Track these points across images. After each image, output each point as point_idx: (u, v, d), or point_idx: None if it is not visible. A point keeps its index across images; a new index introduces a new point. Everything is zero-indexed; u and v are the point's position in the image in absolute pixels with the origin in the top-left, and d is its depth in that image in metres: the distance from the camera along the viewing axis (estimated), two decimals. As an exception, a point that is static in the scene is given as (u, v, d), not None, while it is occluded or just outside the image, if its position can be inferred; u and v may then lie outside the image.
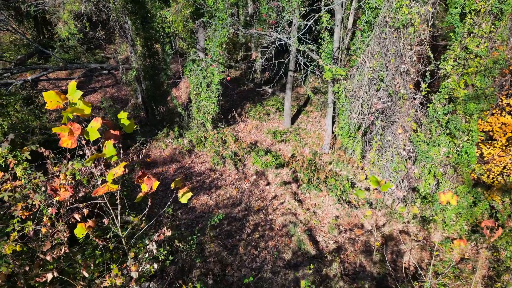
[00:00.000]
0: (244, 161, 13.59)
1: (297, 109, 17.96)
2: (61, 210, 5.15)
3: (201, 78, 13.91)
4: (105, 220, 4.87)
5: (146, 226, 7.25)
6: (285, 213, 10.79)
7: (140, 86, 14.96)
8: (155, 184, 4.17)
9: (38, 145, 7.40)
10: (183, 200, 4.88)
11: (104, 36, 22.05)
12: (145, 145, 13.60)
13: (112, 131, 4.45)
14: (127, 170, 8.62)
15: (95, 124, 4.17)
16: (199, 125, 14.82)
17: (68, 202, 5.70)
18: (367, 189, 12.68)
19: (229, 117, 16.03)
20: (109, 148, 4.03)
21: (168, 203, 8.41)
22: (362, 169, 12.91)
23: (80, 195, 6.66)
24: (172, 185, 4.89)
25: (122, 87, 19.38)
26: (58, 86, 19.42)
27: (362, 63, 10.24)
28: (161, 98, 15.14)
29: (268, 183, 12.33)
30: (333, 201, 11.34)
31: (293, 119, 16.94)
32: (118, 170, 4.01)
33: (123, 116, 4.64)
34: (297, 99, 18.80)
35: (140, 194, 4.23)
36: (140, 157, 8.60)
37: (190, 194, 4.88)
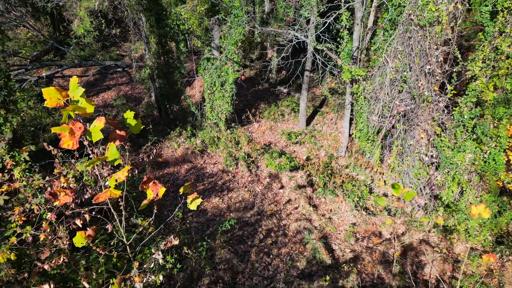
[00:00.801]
0: (257, 163, 13.21)
1: (312, 110, 17.49)
2: (66, 213, 4.87)
3: (215, 77, 13.58)
4: (109, 227, 4.56)
5: (155, 231, 6.93)
6: (299, 218, 10.36)
7: (153, 84, 14.73)
8: (161, 190, 3.82)
9: (46, 143, 7.16)
10: (192, 206, 4.52)
11: (119, 34, 21.97)
12: (157, 145, 13.35)
13: (118, 132, 4.12)
14: (136, 171, 8.32)
15: (98, 124, 3.84)
16: (212, 125, 14.51)
17: (74, 204, 5.43)
18: (385, 195, 12.15)
19: (243, 117, 15.68)
20: (111, 151, 3.70)
21: (179, 206, 8.09)
22: (381, 174, 12.37)
23: (86, 196, 6.39)
24: (181, 191, 4.54)
25: (136, 86, 19.24)
26: (72, 83, 19.37)
27: (383, 63, 9.74)
28: (174, 96, 14.89)
29: (282, 187, 11.91)
30: (350, 207, 10.85)
31: (309, 121, 16.48)
32: (122, 175, 3.68)
33: (129, 115, 4.30)
34: (312, 100, 18.33)
35: (145, 202, 3.88)
36: (151, 157, 8.31)
37: (199, 200, 4.52)
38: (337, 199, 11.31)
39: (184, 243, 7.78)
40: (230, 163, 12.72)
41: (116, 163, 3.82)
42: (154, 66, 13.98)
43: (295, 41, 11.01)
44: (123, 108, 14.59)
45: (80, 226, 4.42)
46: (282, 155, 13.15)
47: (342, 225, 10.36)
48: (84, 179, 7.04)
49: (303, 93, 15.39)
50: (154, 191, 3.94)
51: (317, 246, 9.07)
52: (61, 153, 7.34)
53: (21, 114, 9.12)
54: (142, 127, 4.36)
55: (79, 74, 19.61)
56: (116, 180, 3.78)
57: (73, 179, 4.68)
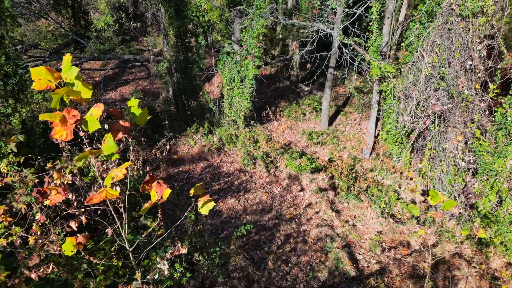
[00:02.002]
0: (276, 163, 12.54)
1: (335, 109, 16.68)
2: (63, 213, 4.35)
3: (235, 72, 12.99)
4: (109, 231, 3.99)
5: (164, 235, 6.36)
6: (320, 224, 9.63)
7: (171, 79, 14.25)
8: (166, 192, 3.21)
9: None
10: (204, 211, 3.91)
11: (140, 28, 21.69)
12: (172, 141, 12.86)
13: (121, 122, 3.54)
14: (148, 168, 7.76)
15: (96, 111, 3.26)
16: (230, 122, 13.92)
17: (75, 204, 4.93)
18: (414, 202, 11.27)
19: (262, 115, 15.03)
20: (108, 144, 3.12)
21: (190, 208, 7.51)
22: (411, 179, 11.50)
23: (91, 194, 5.88)
24: (191, 192, 3.94)
25: (155, 80, 18.86)
26: (91, 76, 19.20)
27: (418, 58, 8.90)
28: (192, 92, 14.37)
29: (302, 189, 11.20)
30: (376, 214, 10.05)
31: (331, 120, 15.69)
32: (119, 172, 3.10)
33: (133, 103, 3.72)
34: (335, 99, 17.51)
35: (146, 205, 3.28)
36: (164, 154, 7.76)
37: (212, 204, 3.91)
38: (361, 205, 10.52)
39: (196, 247, 7.20)
40: (248, 162, 12.10)
41: (113, 158, 3.23)
42: (172, 60, 13.49)
43: (321, 32, 10.28)
44: (139, 103, 14.15)
45: (75, 229, 3.87)
46: (303, 156, 12.43)
47: (367, 233, 9.57)
48: (90, 174, 6.54)
49: (326, 91, 14.62)
50: (159, 192, 3.34)
51: (341, 256, 8.32)
52: (69, 146, 6.87)
53: (33, 106, 8.71)
54: (148, 118, 3.76)
55: (98, 68, 19.41)
56: (113, 179, 3.19)
57: (70, 174, 4.12)
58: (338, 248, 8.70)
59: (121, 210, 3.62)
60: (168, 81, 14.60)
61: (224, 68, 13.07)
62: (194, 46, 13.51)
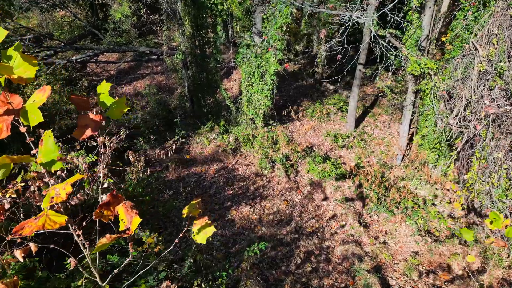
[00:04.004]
0: (297, 167, 11.36)
1: (362, 110, 15.36)
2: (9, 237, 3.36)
3: (255, 66, 11.87)
4: (72, 261, 2.94)
5: (166, 251, 5.31)
6: (346, 240, 8.41)
7: (186, 73, 13.27)
8: (135, 221, 2.13)
9: (42, 130, 5.76)
10: (200, 239, 2.81)
11: (158, 21, 20.90)
12: (183, 140, 11.88)
13: (90, 115, 2.47)
14: (159, 168, 6.68)
15: (40, 97, 2.21)
16: (248, 121, 12.82)
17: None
18: (452, 217, 9.88)
19: (283, 114, 13.86)
20: (46, 146, 2.07)
21: (181, 234, 6.46)
22: (447, 190, 10.11)
23: (72, 202, 4.90)
24: (184, 212, 2.88)
25: (171, 76, 17.99)
26: (107, 70, 18.52)
27: (470, 50, 7.54)
28: (208, 87, 13.34)
29: (326, 198, 9.99)
30: (411, 231, 8.73)
31: (358, 122, 14.38)
32: (62, 190, 2.05)
33: (104, 88, 2.63)
34: (362, 99, 16.18)
35: (104, 241, 2.18)
36: (170, 155, 6.73)
37: (211, 229, 2.81)
38: (393, 219, 9.22)
39: (200, 266, 6.11)
40: (266, 165, 10.97)
41: (54, 168, 2.17)
42: (187, 52, 12.50)
43: (353, 20, 9.03)
44: (152, 98, 13.27)
45: (21, 260, 2.84)
46: (327, 160, 11.20)
47: (401, 253, 8.27)
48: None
49: (353, 90, 13.33)
50: (127, 219, 2.27)
51: (371, 282, 7.08)
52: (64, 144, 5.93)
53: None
54: (126, 110, 2.66)
55: (114, 61, 18.71)
56: (53, 198, 2.12)
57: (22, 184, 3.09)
58: (367, 270, 7.46)
59: (80, 238, 2.56)
60: (183, 75, 13.64)
61: (243, 62, 11.98)
62: (211, 37, 12.48)
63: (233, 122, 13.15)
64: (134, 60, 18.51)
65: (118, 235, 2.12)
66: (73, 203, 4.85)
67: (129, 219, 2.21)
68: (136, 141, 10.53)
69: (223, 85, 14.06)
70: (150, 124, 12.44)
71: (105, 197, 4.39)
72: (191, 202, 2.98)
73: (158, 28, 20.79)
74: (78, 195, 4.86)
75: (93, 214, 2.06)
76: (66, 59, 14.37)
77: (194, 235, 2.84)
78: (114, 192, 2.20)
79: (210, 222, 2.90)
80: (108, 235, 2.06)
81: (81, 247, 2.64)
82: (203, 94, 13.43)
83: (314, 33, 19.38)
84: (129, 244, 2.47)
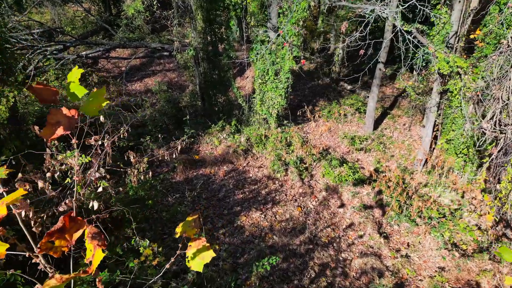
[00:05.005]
0: (311, 170, 10.71)
1: (381, 111, 14.61)
2: None
3: (269, 63, 11.27)
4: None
5: (167, 264, 4.77)
6: (364, 252, 7.73)
7: (198, 70, 12.75)
8: (98, 257, 1.56)
9: (36, 126, 5.30)
10: (196, 266, 2.22)
11: (171, 17, 20.49)
12: (192, 139, 11.36)
13: (64, 110, 1.92)
14: (166, 168, 6.14)
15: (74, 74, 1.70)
16: (260, 121, 12.22)
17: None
18: (479, 228, 9.10)
19: (298, 114, 13.21)
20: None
21: (175, 255, 5.87)
22: (481, 201, 9.32)
23: (61, 209, 4.38)
24: (177, 231, 2.31)
25: (184, 72, 17.54)
26: (118, 66, 18.18)
27: (509, 46, 6.78)
28: (220, 85, 12.79)
29: (342, 205, 9.33)
30: (437, 245, 8.00)
31: (376, 124, 13.64)
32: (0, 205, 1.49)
33: (74, 75, 2.06)
34: (381, 100, 15.42)
35: (51, 283, 1.61)
36: (174, 156, 6.19)
37: (210, 254, 2.22)
38: (416, 230, 8.50)
39: (205, 280, 5.55)
40: (278, 168, 10.35)
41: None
42: (199, 48, 11.97)
43: (377, 13, 8.34)
44: (162, 95, 12.78)
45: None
46: (344, 164, 10.52)
47: (425, 269, 7.55)
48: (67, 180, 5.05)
49: (373, 90, 12.61)
50: (93, 250, 1.70)
51: (393, 301, 6.41)
52: (56, 142, 5.45)
53: (25, 90, 7.39)
54: (105, 104, 2.09)
55: (125, 57, 18.36)
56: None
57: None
58: (387, 286, 6.78)
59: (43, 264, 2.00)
60: (194, 71, 13.12)
61: (257, 59, 11.39)
62: (224, 32, 11.92)
63: (245, 122, 12.57)
64: (146, 56, 18.12)
65: (74, 274, 1.55)
66: (61, 209, 4.31)
67: (94, 247, 1.64)
68: (143, 140, 10.05)
69: (235, 83, 13.51)
70: (158, 122, 11.96)
71: (95, 205, 3.77)
72: (187, 218, 2.41)
73: (170, 23, 20.39)
74: (67, 201, 4.32)
75: (38, 246, 1.49)
76: (76, 54, 14.02)
77: (188, 261, 2.27)
78: (72, 214, 1.63)
79: (208, 245, 2.32)
80: (58, 276, 1.48)
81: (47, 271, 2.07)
82: (214, 92, 12.89)
83: (331, 31, 18.67)
84: (97, 281, 1.89)
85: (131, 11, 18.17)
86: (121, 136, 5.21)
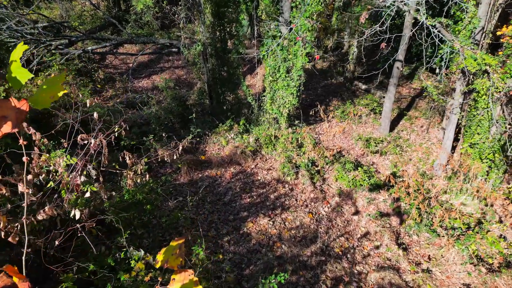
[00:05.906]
0: (324, 174, 10.09)
1: (397, 112, 13.89)
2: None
3: (280, 60, 10.68)
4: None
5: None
6: (381, 264, 7.09)
7: (206, 66, 12.22)
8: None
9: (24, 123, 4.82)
10: (182, 308, 1.67)
11: (181, 13, 20.04)
12: (198, 139, 10.83)
13: (13, 102, 1.35)
14: (170, 169, 5.60)
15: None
16: (270, 121, 11.64)
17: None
18: (505, 238, 8.37)
19: (310, 114, 12.58)
20: None
21: None
22: (504, 209, 8.60)
23: (39, 217, 3.86)
24: (159, 258, 1.78)
25: (192, 70, 17.04)
26: (126, 62, 17.77)
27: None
28: (229, 82, 12.23)
29: (357, 212, 8.69)
30: (462, 259, 7.31)
31: (392, 125, 12.94)
32: None
33: (16, 55, 1.50)
34: (398, 101, 14.68)
35: None
36: (176, 156, 5.65)
37: (197, 289, 1.68)
38: (438, 241, 7.81)
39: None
40: (289, 171, 9.76)
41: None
42: (207, 43, 11.44)
43: (398, 4, 7.69)
44: (168, 92, 12.29)
45: None
46: (358, 167, 9.89)
47: (448, 285, 6.88)
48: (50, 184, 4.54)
49: (389, 90, 11.93)
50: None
51: (415, 324, 5.77)
52: (45, 139, 4.94)
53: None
54: (62, 93, 1.48)
55: (133, 53, 17.94)
56: None
57: None
58: (408, 306, 6.15)
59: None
60: (202, 67, 12.59)
61: (267, 55, 10.81)
62: (233, 27, 11.36)
63: (254, 122, 12.00)
64: (154, 52, 17.68)
65: None
66: (40, 218, 3.76)
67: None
68: (146, 139, 9.55)
69: (245, 81, 12.94)
70: (163, 121, 11.46)
71: (77, 214, 3.16)
72: (170, 243, 1.89)
73: (178, 17, 19.94)
74: (46, 209, 3.77)
75: None
76: (82, 49, 13.63)
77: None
78: (14, 269, 1.08)
79: (197, 279, 1.77)
80: None
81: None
82: (223, 89, 12.34)
83: (345, 29, 17.98)
84: None
85: (140, 6, 17.77)
86: (121, 135, 4.70)
